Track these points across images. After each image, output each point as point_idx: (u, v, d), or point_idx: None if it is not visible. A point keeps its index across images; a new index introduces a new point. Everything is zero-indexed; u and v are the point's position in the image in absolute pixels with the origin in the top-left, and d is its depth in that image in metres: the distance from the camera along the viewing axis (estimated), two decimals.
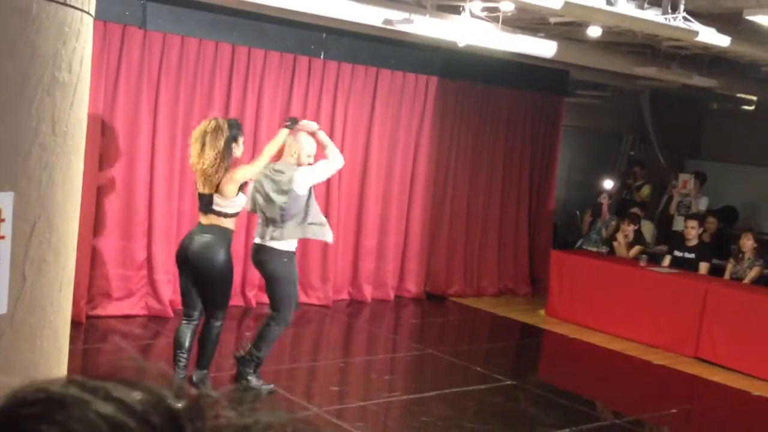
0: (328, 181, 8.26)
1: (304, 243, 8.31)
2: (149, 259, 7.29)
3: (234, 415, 0.48)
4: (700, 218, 8.78)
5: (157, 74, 7.14)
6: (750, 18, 6.03)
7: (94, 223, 6.96)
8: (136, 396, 0.46)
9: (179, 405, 0.47)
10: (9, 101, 2.00)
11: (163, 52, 7.14)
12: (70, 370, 2.64)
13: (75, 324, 3.10)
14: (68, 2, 2.04)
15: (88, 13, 2.16)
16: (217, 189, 4.98)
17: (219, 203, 5.01)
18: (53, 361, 2.35)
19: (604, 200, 9.73)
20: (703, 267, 8.31)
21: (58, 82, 2.05)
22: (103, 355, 6.27)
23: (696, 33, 6.28)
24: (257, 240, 5.44)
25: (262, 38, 7.66)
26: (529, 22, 7.54)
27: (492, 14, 6.85)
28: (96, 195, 6.95)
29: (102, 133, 6.93)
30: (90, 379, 0.48)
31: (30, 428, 0.44)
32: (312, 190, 5.41)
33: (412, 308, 8.88)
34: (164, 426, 0.45)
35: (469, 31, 6.95)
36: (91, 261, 6.98)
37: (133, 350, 5.99)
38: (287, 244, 5.36)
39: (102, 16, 6.04)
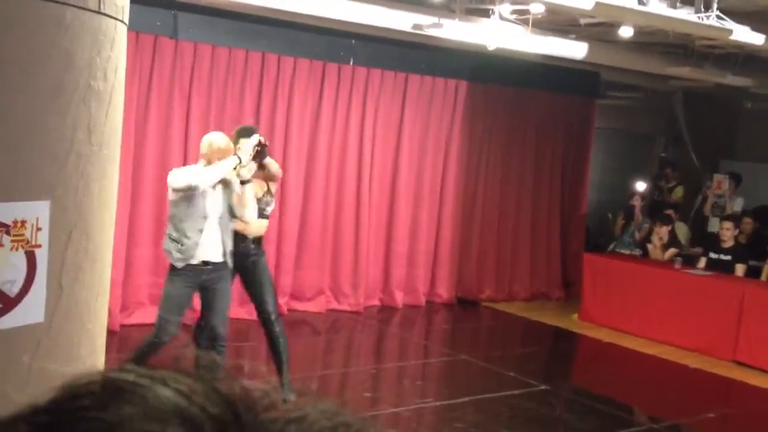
0: (358, 187, 8.29)
1: (335, 249, 8.32)
2: None
3: (287, 406, 0.47)
4: (736, 219, 8.64)
5: (188, 83, 7.20)
6: None
7: (128, 232, 7.02)
8: (193, 383, 0.46)
9: (234, 393, 0.46)
10: (45, 110, 2.02)
11: (194, 61, 7.20)
12: None
13: (109, 332, 3.12)
14: (102, 10, 2.05)
15: (122, 21, 2.18)
16: None
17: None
18: (90, 369, 2.36)
19: (637, 202, 9.62)
20: (740, 269, 8.17)
21: (93, 91, 2.06)
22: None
23: (730, 31, 6.19)
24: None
25: (291, 46, 7.69)
26: (559, 24, 7.49)
27: (522, 17, 6.81)
28: (130, 204, 7.01)
29: (135, 142, 6.99)
30: (144, 367, 0.47)
31: (90, 417, 0.44)
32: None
33: (444, 314, 8.84)
34: (222, 413, 0.45)
35: (499, 34, 6.91)
36: (125, 270, 7.04)
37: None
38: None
39: (134, 27, 6.08)
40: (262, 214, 5.17)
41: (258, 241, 5.29)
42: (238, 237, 5.07)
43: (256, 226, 5.13)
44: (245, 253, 5.16)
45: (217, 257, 4.89)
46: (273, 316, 5.27)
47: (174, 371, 0.47)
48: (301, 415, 0.46)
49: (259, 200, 5.12)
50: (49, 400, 0.46)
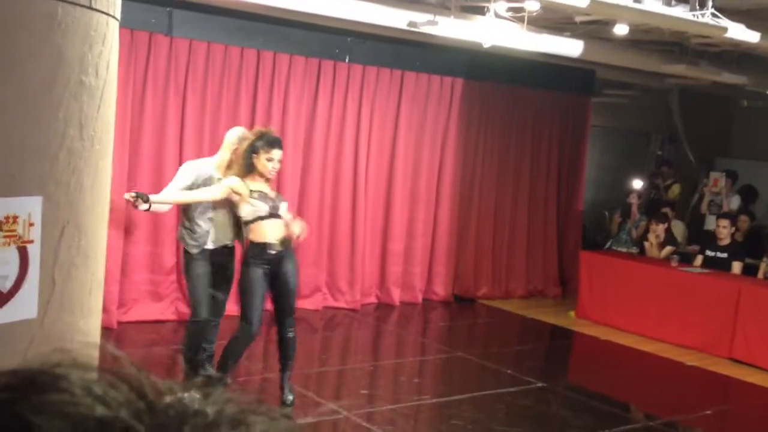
0: (355, 184, 8.29)
1: (331, 247, 8.33)
2: (178, 265, 7.33)
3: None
4: (732, 217, 8.65)
5: (183, 81, 7.19)
6: None
7: (124, 228, 7.01)
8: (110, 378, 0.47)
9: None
10: (36, 105, 2.01)
11: (189, 58, 7.19)
12: None
13: (107, 330, 3.13)
14: (93, 6, 2.05)
15: (113, 17, 2.17)
16: None
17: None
18: None
19: (634, 200, 9.63)
20: (736, 266, 8.18)
21: (84, 86, 2.05)
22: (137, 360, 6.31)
23: (725, 29, 6.20)
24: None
25: (287, 43, 7.69)
26: (554, 22, 7.49)
27: (517, 14, 6.82)
28: (125, 202, 7.00)
29: (130, 139, 6.99)
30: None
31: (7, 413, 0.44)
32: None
33: (441, 311, 8.84)
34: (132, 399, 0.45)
35: (494, 32, 6.91)
36: (121, 267, 7.04)
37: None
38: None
39: (129, 25, 6.10)
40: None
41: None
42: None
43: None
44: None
45: (228, 240, 5.28)
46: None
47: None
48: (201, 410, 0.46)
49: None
50: None
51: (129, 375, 0.47)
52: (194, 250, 5.17)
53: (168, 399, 0.46)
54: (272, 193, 5.16)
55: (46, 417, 0.43)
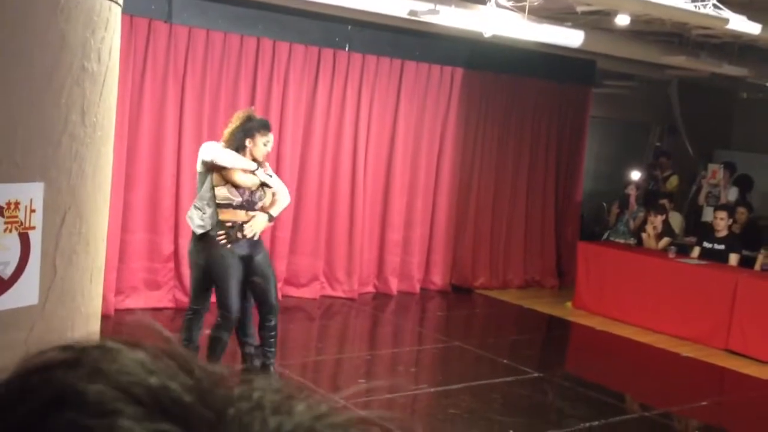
0: (353, 173, 8.28)
1: (329, 236, 8.33)
2: (176, 253, 7.33)
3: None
4: (730, 209, 8.66)
5: (182, 68, 7.17)
6: None
7: (122, 216, 7.01)
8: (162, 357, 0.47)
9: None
10: (38, 91, 2.00)
11: (188, 46, 7.17)
12: None
13: (104, 317, 3.12)
14: None
15: (116, 2, 2.16)
16: None
17: None
18: None
19: (632, 191, 9.63)
20: (733, 258, 8.19)
21: (87, 72, 2.05)
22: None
23: (726, 20, 6.19)
24: None
25: (286, 31, 7.66)
26: (555, 12, 7.47)
27: (518, 4, 6.80)
28: (123, 189, 6.99)
29: (129, 126, 6.97)
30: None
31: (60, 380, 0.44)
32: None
33: (438, 301, 8.86)
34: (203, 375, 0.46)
35: (495, 22, 6.89)
36: (119, 254, 7.03)
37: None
38: None
39: (128, 11, 6.07)
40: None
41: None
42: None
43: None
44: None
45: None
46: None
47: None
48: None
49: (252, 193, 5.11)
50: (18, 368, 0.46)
51: (178, 353, 0.47)
52: (199, 231, 5.08)
53: (215, 379, 0.46)
54: (259, 178, 5.09)
55: (98, 385, 0.43)
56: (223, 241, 4.97)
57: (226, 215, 5.00)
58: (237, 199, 5.00)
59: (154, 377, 0.44)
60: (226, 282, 4.99)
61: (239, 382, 0.47)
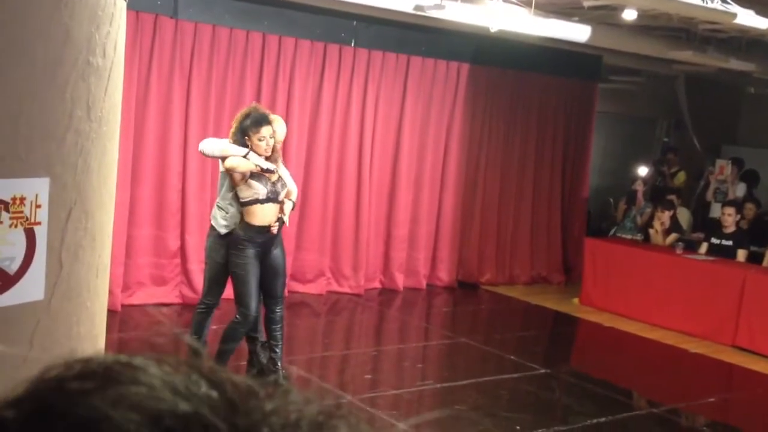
0: (359, 169, 8.27)
1: (336, 231, 8.32)
2: (182, 248, 7.34)
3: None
4: (738, 205, 8.63)
5: (188, 63, 7.16)
6: None
7: (128, 212, 7.01)
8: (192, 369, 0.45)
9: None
10: (44, 86, 2.00)
11: (194, 41, 7.16)
12: None
13: (110, 312, 3.12)
14: None
15: None
16: None
17: None
18: (90, 347, 2.36)
19: (639, 187, 9.60)
20: (741, 254, 8.16)
21: (92, 67, 2.04)
22: (140, 343, 6.33)
23: (734, 15, 6.15)
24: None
25: (292, 27, 7.65)
26: (562, 7, 7.44)
27: None
28: (130, 185, 7.00)
29: (135, 122, 6.97)
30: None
31: (85, 405, 0.42)
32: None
33: (444, 296, 8.85)
34: (232, 396, 0.44)
35: (501, 17, 6.87)
36: (126, 250, 7.04)
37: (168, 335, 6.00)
38: None
39: (134, 6, 6.07)
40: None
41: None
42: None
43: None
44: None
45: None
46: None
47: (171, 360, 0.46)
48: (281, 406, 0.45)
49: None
50: (39, 382, 0.44)
51: (208, 370, 0.45)
52: (224, 231, 5.07)
53: (247, 396, 0.44)
54: (274, 172, 5.06)
55: (124, 411, 0.41)
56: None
57: (256, 213, 4.96)
58: (263, 190, 4.97)
59: (185, 404, 0.42)
60: (248, 283, 4.99)
61: (272, 396, 0.45)
